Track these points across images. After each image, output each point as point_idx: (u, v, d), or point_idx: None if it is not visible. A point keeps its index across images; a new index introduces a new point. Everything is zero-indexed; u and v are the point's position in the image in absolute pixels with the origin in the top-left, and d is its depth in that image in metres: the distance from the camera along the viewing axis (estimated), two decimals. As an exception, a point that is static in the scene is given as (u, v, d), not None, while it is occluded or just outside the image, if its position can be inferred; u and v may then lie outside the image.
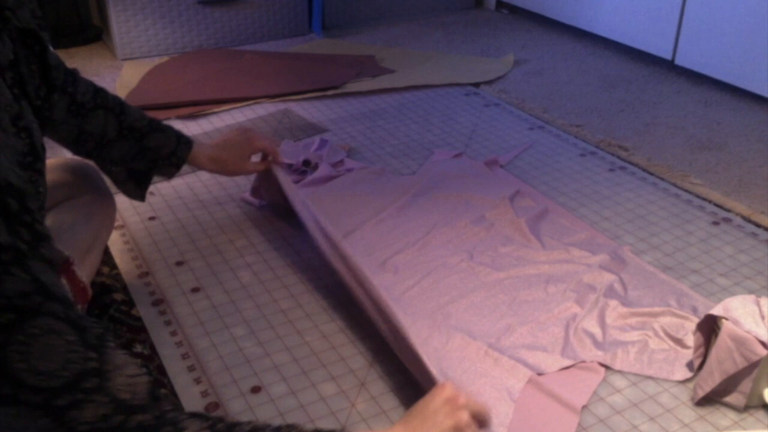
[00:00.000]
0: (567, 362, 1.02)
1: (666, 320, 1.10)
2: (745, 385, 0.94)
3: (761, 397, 0.95)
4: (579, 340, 1.06)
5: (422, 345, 0.94)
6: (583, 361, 1.03)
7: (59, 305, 0.57)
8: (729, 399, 0.96)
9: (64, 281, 0.93)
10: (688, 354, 1.03)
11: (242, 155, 1.25)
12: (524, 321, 1.10)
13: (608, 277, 1.20)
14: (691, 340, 1.04)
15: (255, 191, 1.42)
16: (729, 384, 0.94)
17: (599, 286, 1.18)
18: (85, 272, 0.99)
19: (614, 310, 1.12)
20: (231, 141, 1.24)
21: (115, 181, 1.15)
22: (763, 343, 0.91)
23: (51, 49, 0.86)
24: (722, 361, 0.93)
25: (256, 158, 1.31)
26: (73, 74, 1.03)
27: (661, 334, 1.07)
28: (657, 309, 1.12)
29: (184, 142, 1.16)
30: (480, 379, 1.00)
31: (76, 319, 0.58)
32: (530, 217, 1.36)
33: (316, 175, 1.50)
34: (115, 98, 1.08)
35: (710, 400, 0.97)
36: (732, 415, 0.95)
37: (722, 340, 0.94)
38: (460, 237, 1.32)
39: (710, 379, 0.94)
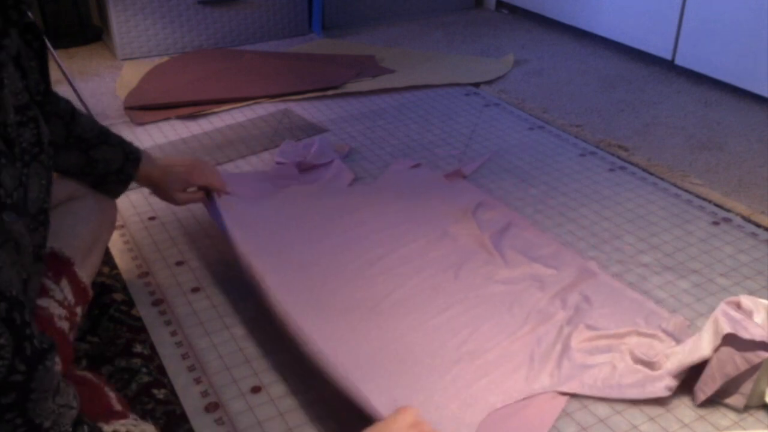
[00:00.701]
0: (528, 393, 0.98)
1: (634, 341, 1.06)
2: (746, 387, 0.94)
3: (761, 397, 0.95)
4: (543, 367, 1.02)
5: (369, 374, 0.91)
6: (545, 392, 0.98)
7: (4, 304, 0.54)
8: (729, 400, 0.96)
9: (64, 282, 0.93)
10: (656, 376, 0.99)
11: (174, 187, 1.18)
12: (486, 347, 1.05)
13: (574, 297, 1.15)
14: (660, 361, 1.00)
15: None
16: (729, 385, 0.94)
17: (565, 306, 1.13)
18: (85, 273, 0.99)
19: (580, 333, 1.08)
20: (173, 168, 1.18)
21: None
22: (765, 344, 0.91)
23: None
24: (723, 364, 0.93)
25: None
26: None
27: (628, 358, 1.03)
28: (623, 330, 1.07)
29: (132, 159, 1.09)
30: (437, 411, 0.94)
31: (20, 325, 0.55)
32: (494, 232, 1.31)
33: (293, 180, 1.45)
34: (67, 105, 1.04)
35: (710, 400, 0.97)
36: (732, 415, 0.95)
37: (723, 345, 0.93)
38: (422, 254, 1.25)
39: (711, 382, 0.94)
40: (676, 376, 0.97)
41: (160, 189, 1.17)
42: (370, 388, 0.90)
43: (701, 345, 0.96)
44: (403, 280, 1.18)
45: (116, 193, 1.10)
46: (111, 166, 1.07)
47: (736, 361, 0.92)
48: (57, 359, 0.58)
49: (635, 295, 1.18)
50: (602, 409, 0.96)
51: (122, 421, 0.76)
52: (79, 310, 0.95)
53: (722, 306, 0.97)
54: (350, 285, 1.16)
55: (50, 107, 0.99)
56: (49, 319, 0.87)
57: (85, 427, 0.61)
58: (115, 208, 1.15)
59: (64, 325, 0.89)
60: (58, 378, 0.56)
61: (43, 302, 0.88)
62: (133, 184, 1.12)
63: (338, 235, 1.28)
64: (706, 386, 0.95)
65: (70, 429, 0.55)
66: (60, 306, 0.90)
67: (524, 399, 0.97)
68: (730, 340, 0.93)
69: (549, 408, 0.96)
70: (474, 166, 1.58)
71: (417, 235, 1.30)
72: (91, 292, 0.99)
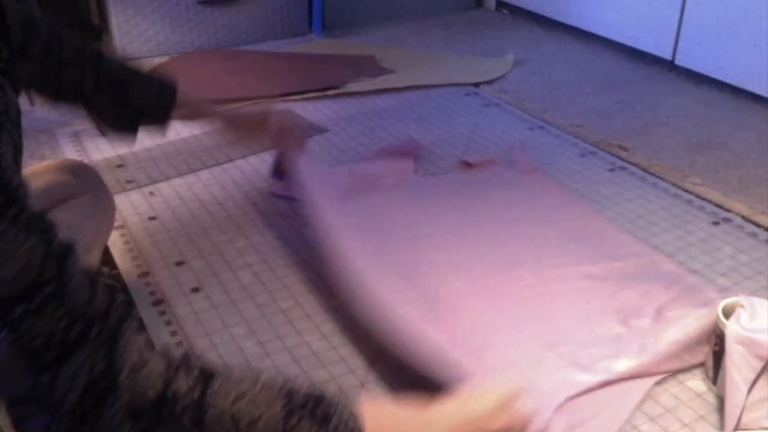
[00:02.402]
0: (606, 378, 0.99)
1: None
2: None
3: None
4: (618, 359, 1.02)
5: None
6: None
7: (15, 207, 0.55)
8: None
9: None
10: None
11: (260, 123, 1.25)
12: (564, 338, 1.06)
13: (656, 301, 1.14)
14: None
15: (276, 170, 1.35)
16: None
17: (645, 307, 1.12)
18: None
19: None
20: (252, 109, 1.23)
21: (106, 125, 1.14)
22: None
23: (25, 9, 0.85)
24: (740, 369, 0.91)
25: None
26: (59, 33, 1.01)
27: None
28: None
29: (166, 93, 1.13)
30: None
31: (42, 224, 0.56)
32: (574, 228, 1.34)
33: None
34: (93, 51, 1.06)
35: (709, 400, 0.97)
36: (732, 415, 0.95)
37: (731, 348, 0.92)
38: (502, 249, 1.28)
39: (739, 393, 0.91)
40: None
41: (226, 120, 1.22)
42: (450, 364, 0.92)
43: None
44: (478, 276, 1.21)
45: (161, 128, 1.15)
46: (149, 100, 1.10)
47: (750, 362, 0.90)
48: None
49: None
50: (602, 409, 0.96)
51: None
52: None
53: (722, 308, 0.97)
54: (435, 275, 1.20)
55: (78, 58, 1.02)
56: None
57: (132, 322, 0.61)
58: (114, 206, 1.15)
59: None
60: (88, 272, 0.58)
61: None
62: (134, 182, 1.13)
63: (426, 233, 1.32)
64: (736, 399, 0.92)
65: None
66: None
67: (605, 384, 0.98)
68: (736, 336, 0.92)
69: (632, 390, 0.97)
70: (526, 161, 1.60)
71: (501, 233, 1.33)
72: None
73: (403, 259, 1.22)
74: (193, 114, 1.22)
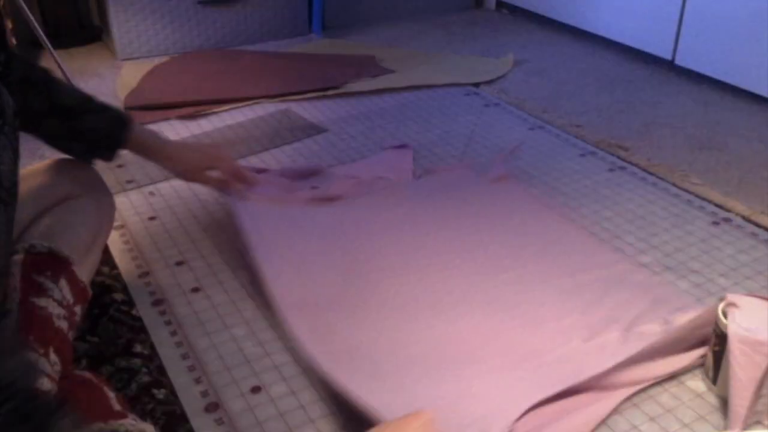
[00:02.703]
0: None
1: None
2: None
3: None
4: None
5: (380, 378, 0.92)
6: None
7: None
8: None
9: (63, 282, 0.93)
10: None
11: (193, 163, 1.20)
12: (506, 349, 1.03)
13: (622, 311, 1.11)
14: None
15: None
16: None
17: (614, 320, 1.10)
18: (84, 272, 0.98)
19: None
20: (198, 145, 1.17)
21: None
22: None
23: None
24: (745, 367, 0.91)
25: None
26: (10, 54, 0.98)
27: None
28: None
29: (118, 124, 1.08)
30: (456, 414, 0.91)
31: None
32: (541, 239, 1.29)
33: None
34: (45, 73, 1.02)
35: (708, 400, 0.97)
36: (732, 415, 0.95)
37: (736, 349, 0.92)
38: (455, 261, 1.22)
39: (745, 392, 0.91)
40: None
41: (171, 161, 1.17)
42: (372, 389, 0.90)
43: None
44: (417, 281, 1.18)
45: (109, 159, 1.10)
46: (98, 132, 1.06)
47: (756, 362, 0.90)
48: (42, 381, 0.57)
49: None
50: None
51: (121, 421, 0.76)
52: (78, 309, 0.94)
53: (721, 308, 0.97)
54: (369, 286, 1.16)
55: (19, 74, 0.98)
56: (48, 318, 0.87)
57: None
58: (113, 206, 1.15)
59: (63, 325, 0.88)
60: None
61: (41, 302, 0.87)
62: (134, 182, 1.12)
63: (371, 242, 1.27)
64: (742, 399, 0.91)
65: None
66: (59, 305, 0.89)
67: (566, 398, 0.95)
68: (739, 338, 0.92)
69: (594, 409, 0.95)
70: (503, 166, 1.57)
71: (456, 242, 1.28)
72: (90, 292, 0.99)
73: (360, 279, 1.18)
74: (141, 154, 1.16)
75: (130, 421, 0.77)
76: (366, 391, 0.90)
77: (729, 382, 0.92)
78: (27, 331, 0.82)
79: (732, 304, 0.97)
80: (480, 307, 1.13)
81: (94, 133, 1.06)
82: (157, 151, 1.16)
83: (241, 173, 1.29)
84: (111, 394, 0.83)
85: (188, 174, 1.24)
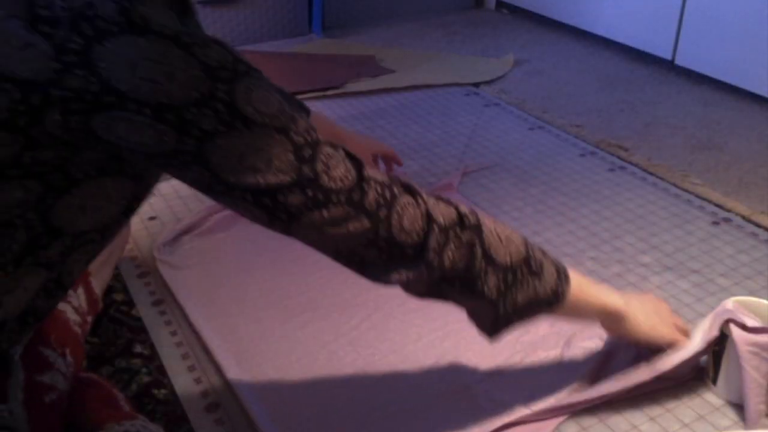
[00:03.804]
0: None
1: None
2: None
3: None
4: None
5: None
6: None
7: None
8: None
9: (81, 291, 0.94)
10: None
11: (370, 148, 1.33)
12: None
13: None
14: None
15: None
16: None
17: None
18: (98, 285, 1.00)
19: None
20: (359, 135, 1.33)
21: None
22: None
23: None
24: (757, 367, 0.91)
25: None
26: None
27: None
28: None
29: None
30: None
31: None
32: None
33: None
34: None
35: (708, 400, 0.97)
36: (732, 414, 0.95)
37: (743, 351, 0.91)
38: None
39: (760, 389, 0.91)
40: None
41: (347, 143, 1.25)
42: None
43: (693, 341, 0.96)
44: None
45: None
46: None
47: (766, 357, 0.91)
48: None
49: None
50: (602, 409, 0.96)
51: (132, 422, 0.77)
52: (89, 319, 0.97)
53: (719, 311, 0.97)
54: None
55: None
56: (67, 321, 0.89)
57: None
58: (128, 225, 1.15)
59: (78, 330, 0.90)
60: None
61: (61, 305, 0.89)
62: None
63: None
64: (757, 398, 0.91)
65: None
66: (76, 312, 0.91)
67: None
68: (745, 339, 0.92)
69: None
70: (460, 176, 1.53)
71: None
72: (101, 305, 1.01)
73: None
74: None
75: (141, 422, 0.78)
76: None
77: (742, 384, 0.92)
78: (48, 330, 0.83)
79: (731, 311, 0.96)
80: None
81: None
82: (335, 134, 1.25)
83: (396, 158, 1.42)
84: (120, 395, 0.84)
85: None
